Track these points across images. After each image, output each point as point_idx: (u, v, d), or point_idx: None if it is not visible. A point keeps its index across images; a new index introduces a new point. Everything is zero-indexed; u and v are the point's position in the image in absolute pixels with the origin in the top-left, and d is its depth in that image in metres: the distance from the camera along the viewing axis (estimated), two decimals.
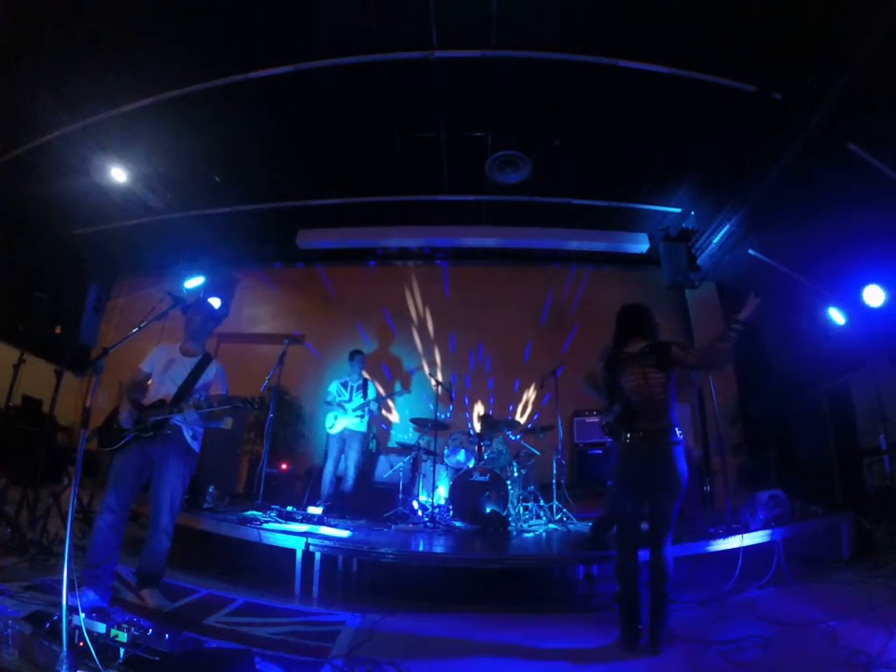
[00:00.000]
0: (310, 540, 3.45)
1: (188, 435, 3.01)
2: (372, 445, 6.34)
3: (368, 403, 5.54)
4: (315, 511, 4.48)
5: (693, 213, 5.78)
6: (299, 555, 3.43)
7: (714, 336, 2.64)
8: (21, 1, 3.62)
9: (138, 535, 3.38)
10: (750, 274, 6.19)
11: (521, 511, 4.95)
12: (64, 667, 1.68)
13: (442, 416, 5.97)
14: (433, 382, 5.86)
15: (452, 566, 3.52)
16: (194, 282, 6.79)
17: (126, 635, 1.90)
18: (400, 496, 5.30)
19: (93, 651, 1.82)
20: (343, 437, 5.47)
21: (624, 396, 2.72)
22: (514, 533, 4.45)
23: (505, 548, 4.01)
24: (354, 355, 5.81)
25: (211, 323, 3.39)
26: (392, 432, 7.03)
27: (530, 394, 7.02)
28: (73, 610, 1.85)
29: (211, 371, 3.17)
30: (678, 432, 2.60)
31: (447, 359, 7.29)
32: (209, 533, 3.82)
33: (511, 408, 7.00)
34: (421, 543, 4.13)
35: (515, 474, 5.07)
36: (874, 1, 3.23)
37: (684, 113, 4.52)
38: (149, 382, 3.14)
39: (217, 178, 5.62)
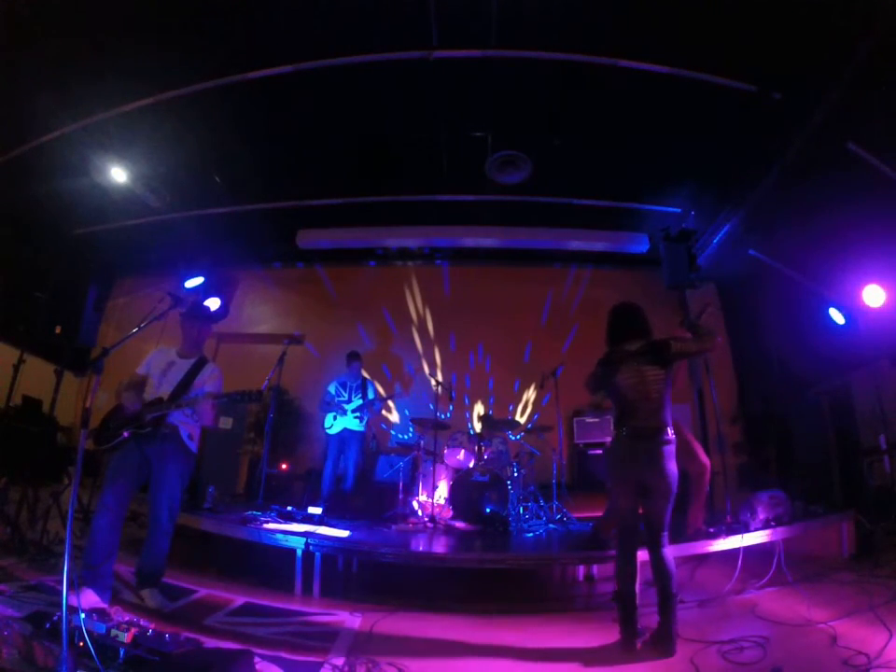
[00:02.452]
0: (310, 540, 3.44)
1: (184, 434, 3.04)
2: (372, 445, 6.34)
3: (371, 403, 5.53)
4: (314, 510, 4.46)
5: (693, 213, 5.77)
6: (299, 555, 3.43)
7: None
8: (22, 2, 3.62)
9: (138, 535, 3.39)
10: (750, 274, 6.19)
11: (521, 511, 4.93)
12: (64, 667, 1.68)
13: (442, 416, 5.97)
14: (433, 382, 5.85)
15: (451, 566, 3.51)
16: (194, 282, 6.80)
17: (126, 635, 1.90)
18: (400, 496, 5.29)
19: (93, 651, 1.81)
20: (343, 437, 5.46)
21: (619, 393, 2.73)
22: (514, 533, 4.45)
23: (505, 548, 4.01)
24: (351, 359, 5.70)
25: (207, 329, 3.44)
26: (392, 432, 7.04)
27: (530, 394, 7.02)
28: (73, 610, 1.85)
29: (206, 372, 3.21)
30: (669, 431, 2.62)
31: (447, 359, 7.29)
32: (209, 533, 3.82)
33: (510, 408, 7.01)
34: (421, 543, 4.12)
35: (515, 474, 5.06)
36: (873, 1, 3.23)
37: (684, 113, 4.52)
38: (146, 384, 3.15)
39: (218, 178, 5.62)
